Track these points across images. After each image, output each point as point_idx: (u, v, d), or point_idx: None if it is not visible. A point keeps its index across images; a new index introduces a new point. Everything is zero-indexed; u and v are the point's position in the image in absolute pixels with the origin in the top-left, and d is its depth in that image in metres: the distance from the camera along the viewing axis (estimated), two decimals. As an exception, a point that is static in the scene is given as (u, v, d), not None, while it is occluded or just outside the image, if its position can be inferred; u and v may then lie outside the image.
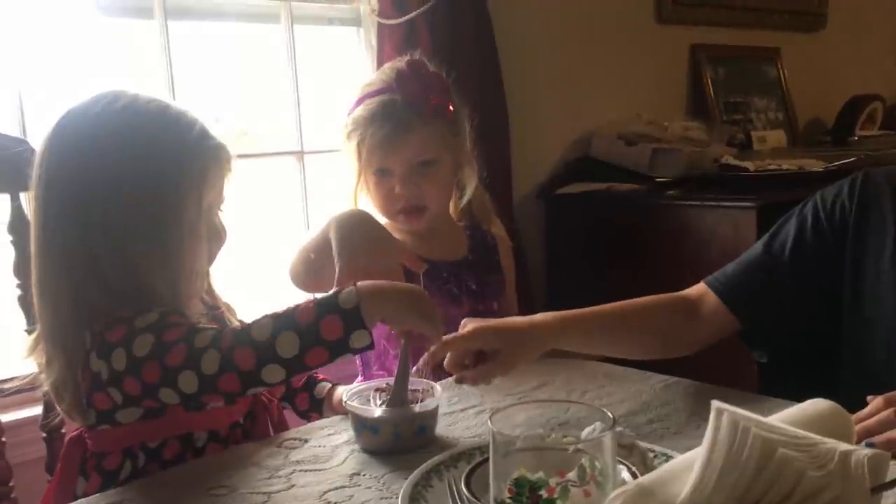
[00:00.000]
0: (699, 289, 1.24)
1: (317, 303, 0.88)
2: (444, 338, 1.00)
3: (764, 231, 1.76)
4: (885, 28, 3.30)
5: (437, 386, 1.03)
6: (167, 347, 0.87)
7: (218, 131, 1.02)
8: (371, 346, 0.88)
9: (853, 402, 0.89)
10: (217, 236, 1.06)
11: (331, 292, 0.89)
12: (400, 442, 0.97)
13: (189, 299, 1.02)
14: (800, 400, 0.75)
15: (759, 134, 2.59)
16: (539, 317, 1.11)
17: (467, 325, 1.05)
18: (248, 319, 1.08)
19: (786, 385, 1.17)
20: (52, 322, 0.97)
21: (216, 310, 1.12)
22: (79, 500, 0.89)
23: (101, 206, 0.94)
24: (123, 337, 0.90)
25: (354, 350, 0.87)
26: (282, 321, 0.87)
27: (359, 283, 0.89)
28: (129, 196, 0.94)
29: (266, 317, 0.88)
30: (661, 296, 1.22)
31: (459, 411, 1.10)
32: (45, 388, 1.01)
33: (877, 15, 3.21)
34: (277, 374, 0.86)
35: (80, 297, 0.95)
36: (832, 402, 0.65)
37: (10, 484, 1.23)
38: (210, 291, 1.13)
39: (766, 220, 1.79)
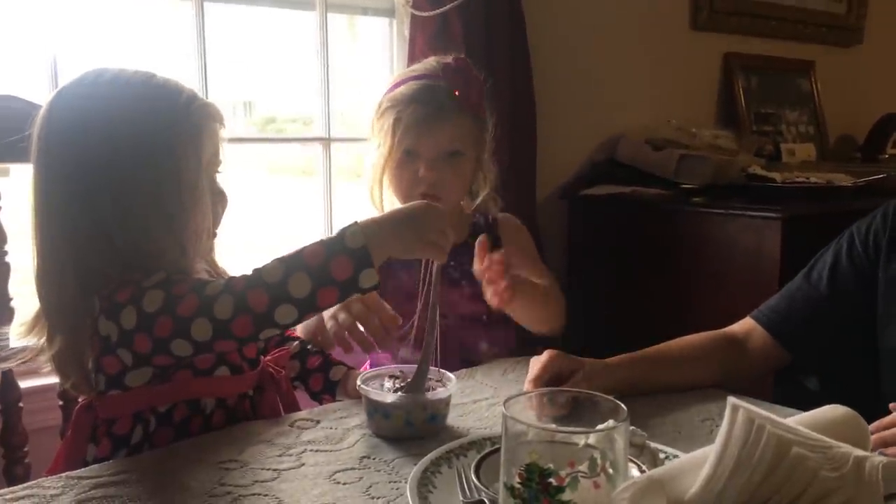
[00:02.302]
0: (746, 324, 1.27)
1: (324, 244, 0.90)
2: (529, 378, 1.04)
3: (788, 243, 1.77)
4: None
5: (451, 375, 1.03)
6: (178, 299, 0.90)
7: (211, 99, 1.06)
8: (377, 286, 0.91)
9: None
10: (219, 196, 1.07)
11: (335, 233, 0.92)
12: (411, 428, 0.97)
13: (196, 260, 1.04)
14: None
15: (788, 146, 2.56)
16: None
17: (544, 354, 1.07)
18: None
19: (800, 394, 1.17)
20: (57, 296, 0.98)
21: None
22: (92, 466, 0.90)
23: (101, 173, 0.96)
24: (132, 296, 0.92)
25: (363, 289, 0.90)
26: (292, 263, 0.89)
27: (361, 221, 0.92)
28: (126, 159, 0.96)
29: (274, 260, 0.90)
30: (712, 332, 1.26)
31: (471, 403, 1.10)
32: (47, 367, 1.02)
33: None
34: (290, 314, 0.88)
35: (87, 266, 0.96)
36: (849, 409, 0.65)
37: (25, 449, 1.25)
38: (213, 264, 1.14)
39: (791, 231, 1.78)
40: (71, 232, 0.97)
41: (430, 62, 1.37)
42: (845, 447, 0.53)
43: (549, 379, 1.04)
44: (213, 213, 1.06)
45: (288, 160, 3.11)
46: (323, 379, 1.19)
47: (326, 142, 1.96)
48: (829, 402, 0.72)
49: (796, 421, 0.61)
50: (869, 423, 0.71)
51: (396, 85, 1.36)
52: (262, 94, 2.13)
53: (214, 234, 1.10)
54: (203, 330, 0.88)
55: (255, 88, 2.09)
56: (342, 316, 1.09)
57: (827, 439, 0.54)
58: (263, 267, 0.90)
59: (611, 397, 0.68)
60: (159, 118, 0.98)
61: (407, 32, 1.92)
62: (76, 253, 0.97)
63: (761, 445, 0.50)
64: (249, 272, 0.91)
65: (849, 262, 1.23)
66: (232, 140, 1.86)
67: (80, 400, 1.06)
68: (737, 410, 0.52)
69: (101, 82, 0.99)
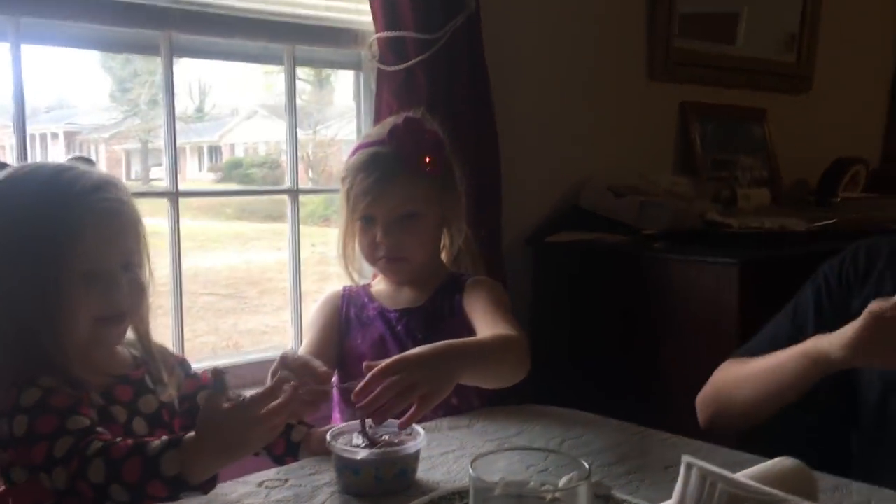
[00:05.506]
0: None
1: (142, 459, 0.89)
2: None
3: (745, 287, 1.82)
4: (868, 93, 3.39)
5: (420, 429, 1.05)
6: (34, 440, 0.93)
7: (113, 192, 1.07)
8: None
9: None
10: (136, 287, 1.09)
11: (157, 446, 0.90)
12: (381, 484, 0.98)
13: (82, 349, 1.04)
14: (777, 454, 0.78)
15: (744, 191, 2.64)
16: None
17: None
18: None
19: (763, 439, 1.21)
20: None
21: (141, 366, 1.14)
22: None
23: None
24: (11, 407, 0.96)
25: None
26: (113, 470, 0.89)
27: (185, 440, 0.90)
28: (8, 248, 1.01)
29: (99, 458, 0.90)
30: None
31: (439, 455, 1.12)
32: None
33: (860, 81, 3.30)
34: None
35: None
36: (797, 461, 0.68)
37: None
38: (145, 339, 1.15)
39: (746, 276, 1.83)
40: None
41: (384, 125, 1.42)
42: (794, 500, 0.56)
43: None
44: (132, 304, 1.08)
45: (255, 205, 3.14)
46: (285, 441, 1.18)
47: (294, 193, 1.99)
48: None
49: (747, 475, 0.64)
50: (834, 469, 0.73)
51: (352, 153, 1.41)
52: (229, 139, 2.16)
53: (137, 324, 1.13)
54: (48, 482, 0.92)
55: (221, 133, 2.12)
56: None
57: (777, 493, 0.57)
58: (94, 458, 0.90)
59: (576, 457, 0.71)
60: (42, 209, 1.02)
61: (373, 86, 1.96)
62: None
63: (714, 502, 0.53)
64: (90, 451, 0.91)
65: (828, 299, 1.29)
66: (199, 194, 1.90)
67: None
68: (691, 468, 0.54)
69: (12, 173, 1.06)
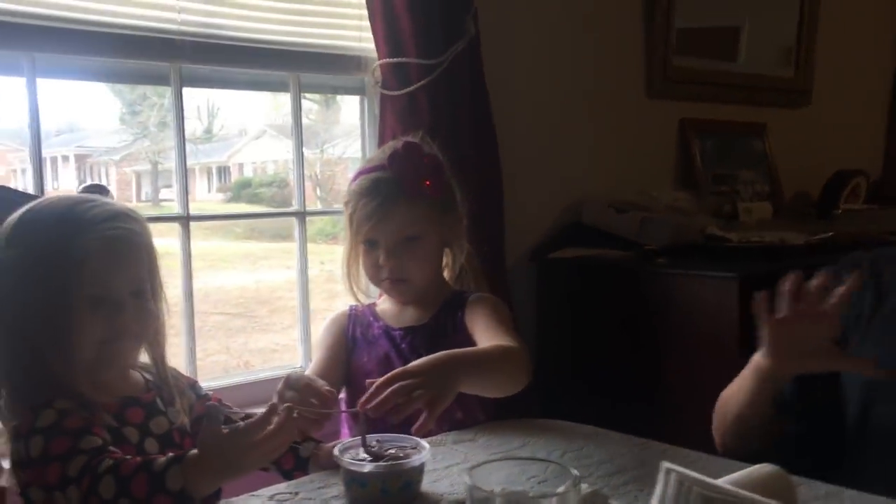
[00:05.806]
0: None
1: (148, 475, 0.94)
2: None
3: (745, 301, 1.84)
4: (867, 105, 3.43)
5: (425, 443, 1.08)
6: (48, 461, 0.97)
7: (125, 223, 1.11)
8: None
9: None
10: (143, 314, 1.11)
11: (162, 462, 0.95)
12: (387, 496, 1.02)
13: (91, 371, 1.08)
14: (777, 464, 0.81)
15: (745, 205, 2.68)
16: None
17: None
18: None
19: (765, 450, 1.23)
20: None
21: (152, 389, 1.17)
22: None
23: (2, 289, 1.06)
24: (27, 431, 1.00)
25: None
26: (122, 486, 0.93)
27: (189, 457, 0.94)
28: (22, 275, 1.05)
29: (109, 475, 0.94)
30: None
31: (443, 468, 1.15)
32: None
33: (859, 94, 3.33)
34: None
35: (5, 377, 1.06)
36: (776, 467, 0.71)
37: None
38: (160, 370, 1.19)
39: (746, 290, 1.86)
40: None
41: (385, 150, 1.47)
42: (766, 502, 0.59)
43: None
44: (139, 329, 1.11)
45: (264, 224, 3.21)
46: (293, 457, 1.22)
47: (302, 215, 2.04)
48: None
49: (727, 481, 0.67)
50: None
51: (354, 179, 1.46)
52: (238, 159, 2.22)
53: (151, 349, 1.17)
54: (63, 501, 0.96)
55: (229, 153, 2.18)
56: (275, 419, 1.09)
57: (750, 495, 0.60)
58: (105, 474, 0.94)
59: (566, 464, 0.75)
60: (51, 238, 1.06)
61: (377, 110, 2.01)
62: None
63: (690, 505, 0.56)
64: (103, 467, 0.95)
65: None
66: (209, 218, 1.96)
67: None
68: (669, 474, 0.58)
69: (36, 203, 1.11)
